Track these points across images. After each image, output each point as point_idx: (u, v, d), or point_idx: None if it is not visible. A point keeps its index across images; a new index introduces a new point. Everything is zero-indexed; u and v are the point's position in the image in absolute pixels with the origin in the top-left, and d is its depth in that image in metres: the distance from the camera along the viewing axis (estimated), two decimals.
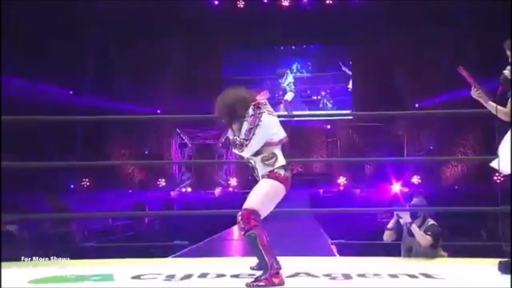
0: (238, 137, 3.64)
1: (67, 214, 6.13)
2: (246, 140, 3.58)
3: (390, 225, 4.92)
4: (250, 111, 3.63)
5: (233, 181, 23.00)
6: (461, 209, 8.35)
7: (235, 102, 3.69)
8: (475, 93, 4.03)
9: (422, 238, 4.60)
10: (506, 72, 3.79)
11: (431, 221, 4.80)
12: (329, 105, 22.83)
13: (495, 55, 3.94)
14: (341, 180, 21.52)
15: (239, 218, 3.51)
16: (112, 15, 18.33)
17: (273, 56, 23.33)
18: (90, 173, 19.06)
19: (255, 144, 3.60)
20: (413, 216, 4.75)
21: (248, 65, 22.62)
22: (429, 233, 4.65)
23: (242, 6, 21.73)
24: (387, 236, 4.95)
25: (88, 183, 19.66)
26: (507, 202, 3.94)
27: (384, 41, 19.81)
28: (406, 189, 4.71)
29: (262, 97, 3.73)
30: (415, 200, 4.91)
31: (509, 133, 3.82)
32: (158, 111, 19.60)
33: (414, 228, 4.63)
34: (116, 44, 19.16)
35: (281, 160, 3.68)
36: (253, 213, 3.52)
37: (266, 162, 3.64)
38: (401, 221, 4.77)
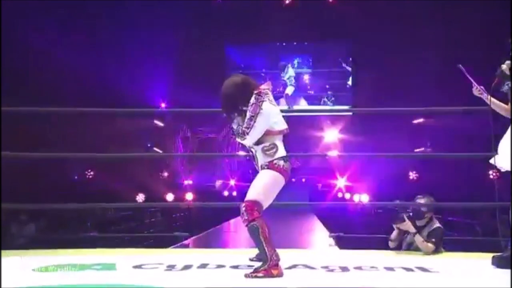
0: (242, 126, 3.68)
1: (71, 205, 6.20)
2: (248, 129, 3.62)
3: (393, 237, 4.86)
4: (252, 100, 3.65)
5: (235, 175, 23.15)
6: (459, 205, 8.41)
7: (237, 92, 3.73)
8: (476, 91, 4.08)
9: (425, 247, 4.58)
10: (504, 66, 3.81)
11: (436, 224, 4.75)
12: (329, 102, 22.95)
13: (496, 54, 3.96)
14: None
15: (243, 209, 3.56)
16: (114, 6, 18.34)
17: (275, 52, 23.40)
18: (93, 164, 19.14)
19: (256, 132, 3.63)
20: (419, 216, 4.74)
21: (250, 61, 22.68)
22: (433, 240, 4.61)
23: (245, 2, 21.80)
24: (392, 245, 4.95)
25: (91, 175, 19.78)
26: (505, 198, 3.99)
27: (384, 39, 19.82)
28: (397, 200, 4.58)
29: (265, 86, 3.75)
30: (425, 200, 4.81)
31: (509, 130, 3.85)
32: (163, 105, 19.69)
33: (418, 239, 4.59)
34: (118, 37, 19.18)
35: (282, 151, 3.72)
36: (256, 204, 3.57)
37: (267, 152, 3.69)
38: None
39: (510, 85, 3.82)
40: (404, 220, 4.66)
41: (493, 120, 4.07)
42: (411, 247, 4.78)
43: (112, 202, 9.92)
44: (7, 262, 3.83)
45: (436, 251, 4.64)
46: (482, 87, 4.06)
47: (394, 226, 4.80)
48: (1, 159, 4.84)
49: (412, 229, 4.65)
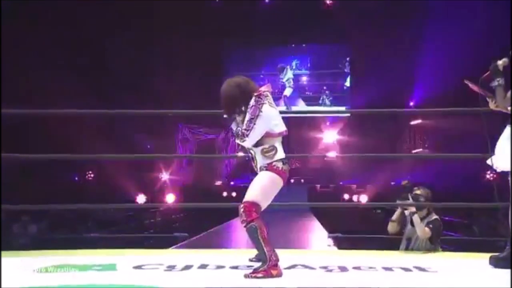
0: (241, 128, 3.70)
1: (72, 205, 6.22)
2: (247, 131, 3.63)
3: (394, 217, 4.94)
4: (252, 102, 3.67)
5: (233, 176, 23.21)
6: (458, 205, 8.45)
7: (237, 92, 3.74)
8: (493, 106, 3.89)
9: (422, 230, 4.63)
10: (500, 62, 3.77)
11: (434, 216, 4.82)
12: (328, 102, 23.05)
13: (494, 54, 3.95)
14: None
15: (241, 210, 3.59)
16: (114, 10, 18.36)
17: (274, 54, 23.47)
18: (94, 165, 19.18)
19: (256, 134, 3.65)
20: (418, 206, 4.76)
21: (249, 63, 22.74)
22: (430, 226, 4.68)
23: (244, 5, 21.88)
24: (391, 227, 4.97)
25: (92, 176, 19.81)
26: (504, 199, 4.00)
27: (381, 40, 19.88)
28: (405, 181, 4.65)
29: (265, 88, 3.76)
30: (421, 191, 4.88)
31: (506, 130, 3.84)
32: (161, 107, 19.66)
33: (416, 218, 4.66)
34: (118, 41, 19.19)
35: (281, 154, 3.74)
36: (255, 205, 3.60)
37: (266, 154, 3.70)
38: (406, 212, 4.82)
39: (500, 81, 3.75)
40: (408, 199, 4.74)
41: (489, 121, 4.06)
42: (410, 244, 4.82)
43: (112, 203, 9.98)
44: (7, 262, 3.85)
45: (433, 243, 4.69)
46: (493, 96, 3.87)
47: (398, 202, 4.86)
48: (1, 159, 4.86)
49: (412, 208, 4.71)
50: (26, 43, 15.44)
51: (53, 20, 16.88)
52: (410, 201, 4.74)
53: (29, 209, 8.83)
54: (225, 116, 3.88)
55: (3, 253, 4.03)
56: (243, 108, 3.72)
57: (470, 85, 3.95)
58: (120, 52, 19.06)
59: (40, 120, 13.51)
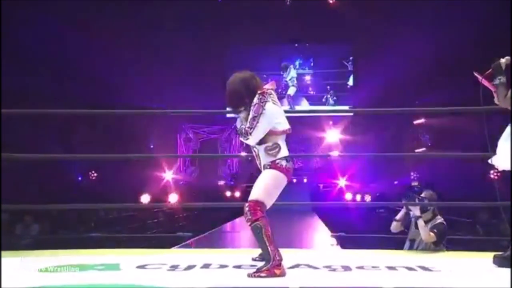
0: (245, 126, 3.71)
1: (75, 205, 6.23)
2: (251, 129, 3.64)
3: (398, 217, 4.96)
4: (255, 100, 3.68)
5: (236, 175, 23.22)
6: (461, 204, 8.44)
7: (243, 87, 3.75)
8: (497, 101, 3.81)
9: (427, 234, 4.63)
10: (503, 60, 3.76)
11: (439, 219, 4.82)
12: (332, 102, 23.06)
13: (493, 53, 3.94)
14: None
15: (246, 209, 3.59)
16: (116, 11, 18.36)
17: (276, 54, 23.49)
18: (97, 165, 19.20)
19: (259, 132, 3.66)
20: (422, 209, 4.77)
21: (251, 62, 22.75)
22: (435, 230, 4.67)
23: (246, 3, 21.92)
24: (395, 227, 4.99)
25: (95, 176, 19.84)
26: (506, 198, 3.99)
27: (384, 39, 19.86)
28: (416, 183, 4.64)
29: (269, 86, 3.78)
30: (425, 193, 4.90)
31: (507, 129, 3.82)
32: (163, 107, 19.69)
33: (421, 223, 4.65)
34: (120, 40, 19.18)
35: (284, 151, 3.74)
36: (259, 204, 3.60)
37: (269, 152, 3.71)
38: (411, 213, 4.82)
39: (501, 80, 3.73)
40: (415, 200, 4.75)
41: (489, 120, 4.05)
42: (413, 245, 4.81)
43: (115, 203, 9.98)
44: (9, 262, 3.85)
45: (437, 246, 4.69)
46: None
47: (404, 202, 4.86)
48: (1, 159, 4.86)
49: (417, 212, 4.71)
50: None
51: None
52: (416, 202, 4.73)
53: (31, 209, 8.84)
54: (228, 108, 3.88)
55: (4, 253, 4.03)
56: (249, 102, 3.71)
57: (480, 78, 3.92)
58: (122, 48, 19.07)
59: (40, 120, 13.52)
